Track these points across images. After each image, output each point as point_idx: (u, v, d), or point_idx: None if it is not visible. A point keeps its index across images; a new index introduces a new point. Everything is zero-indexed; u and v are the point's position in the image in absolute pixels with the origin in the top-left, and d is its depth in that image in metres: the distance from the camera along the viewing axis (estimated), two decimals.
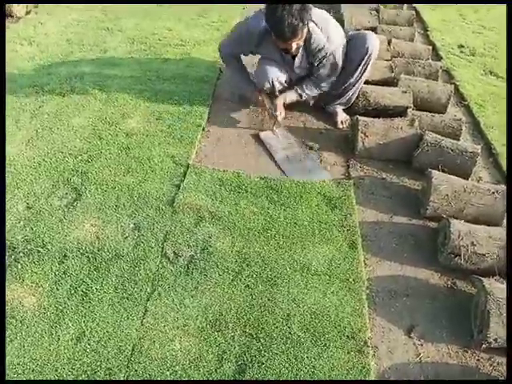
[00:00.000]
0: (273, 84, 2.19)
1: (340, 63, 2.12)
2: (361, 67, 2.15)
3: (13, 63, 2.68)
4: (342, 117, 2.33)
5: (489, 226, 1.66)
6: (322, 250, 1.65)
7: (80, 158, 2.00)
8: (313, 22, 1.94)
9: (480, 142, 2.27)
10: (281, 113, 2.21)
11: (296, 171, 2.02)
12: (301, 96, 2.25)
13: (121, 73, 2.65)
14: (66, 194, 1.82)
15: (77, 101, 2.37)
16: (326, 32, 2.00)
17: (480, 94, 2.68)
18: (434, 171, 1.83)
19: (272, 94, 2.28)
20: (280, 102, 2.22)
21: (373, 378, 1.30)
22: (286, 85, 2.26)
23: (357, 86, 2.24)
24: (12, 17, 3.22)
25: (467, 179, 1.90)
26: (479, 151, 1.95)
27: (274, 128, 2.24)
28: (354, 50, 2.13)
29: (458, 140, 2.10)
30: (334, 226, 1.75)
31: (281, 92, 2.30)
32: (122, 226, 1.70)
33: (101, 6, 3.49)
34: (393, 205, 1.90)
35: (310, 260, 1.61)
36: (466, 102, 2.57)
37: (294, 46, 1.94)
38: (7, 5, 3.16)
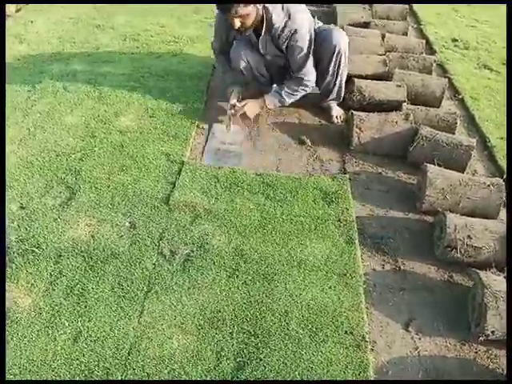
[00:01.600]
0: (248, 62, 2.17)
1: (306, 49, 2.05)
2: (333, 64, 2.14)
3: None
4: (336, 112, 2.32)
5: (485, 218, 1.67)
6: (319, 245, 1.65)
7: (73, 156, 1.98)
8: (271, 5, 1.96)
9: (475, 135, 2.28)
10: (234, 111, 2.16)
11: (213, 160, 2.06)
12: (280, 96, 2.20)
13: (113, 70, 2.62)
14: (60, 193, 1.81)
15: (69, 99, 2.34)
16: (287, 11, 1.98)
17: (474, 87, 2.69)
18: (429, 165, 1.83)
19: (252, 77, 2.27)
20: (233, 99, 2.18)
21: (371, 373, 1.30)
22: (263, 69, 2.24)
23: (338, 81, 2.23)
24: None
25: (462, 173, 1.91)
26: (474, 144, 1.95)
27: (229, 125, 2.18)
28: (321, 47, 2.11)
29: (453, 134, 2.10)
30: (330, 221, 1.75)
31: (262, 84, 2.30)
32: (117, 224, 1.69)
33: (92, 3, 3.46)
34: (389, 199, 1.90)
35: (307, 256, 1.61)
36: (461, 96, 2.57)
37: (237, 22, 1.90)
38: None
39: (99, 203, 1.76)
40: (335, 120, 2.31)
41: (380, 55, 2.62)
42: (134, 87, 2.47)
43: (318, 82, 2.23)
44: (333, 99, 2.32)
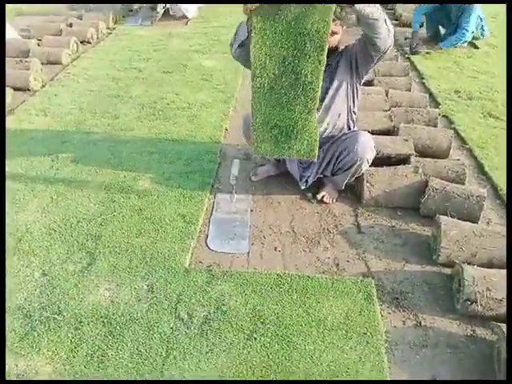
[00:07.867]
0: None
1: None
2: (351, 173, 2.08)
3: (29, 134, 2.83)
4: (328, 192, 2.23)
5: (503, 269, 1.65)
6: (337, 303, 1.64)
7: (94, 222, 2.06)
8: None
9: (486, 184, 2.30)
10: (235, 178, 2.12)
11: (217, 236, 1.99)
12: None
13: (131, 137, 2.77)
14: (81, 258, 1.86)
15: (90, 167, 2.47)
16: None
17: (481, 136, 2.74)
18: (442, 217, 1.84)
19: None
20: (235, 170, 2.13)
21: None
22: None
23: (348, 180, 2.15)
24: (29, 90, 3.43)
25: (476, 223, 1.91)
26: (485, 194, 1.97)
27: (233, 195, 2.18)
28: (344, 152, 2.03)
29: (464, 184, 2.13)
30: (347, 277, 1.75)
31: None
32: (135, 288, 1.72)
33: (111, 75, 3.71)
34: (404, 252, 1.90)
35: (325, 315, 1.60)
36: (468, 146, 2.63)
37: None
38: (24, 79, 3.38)
39: (118, 267, 1.81)
40: (324, 199, 2.20)
41: (385, 111, 2.72)
42: (151, 152, 2.60)
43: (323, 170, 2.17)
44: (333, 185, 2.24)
